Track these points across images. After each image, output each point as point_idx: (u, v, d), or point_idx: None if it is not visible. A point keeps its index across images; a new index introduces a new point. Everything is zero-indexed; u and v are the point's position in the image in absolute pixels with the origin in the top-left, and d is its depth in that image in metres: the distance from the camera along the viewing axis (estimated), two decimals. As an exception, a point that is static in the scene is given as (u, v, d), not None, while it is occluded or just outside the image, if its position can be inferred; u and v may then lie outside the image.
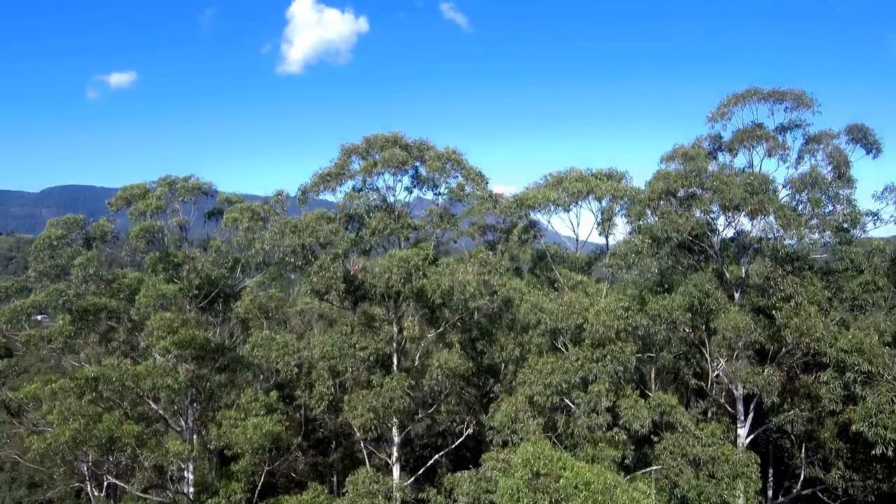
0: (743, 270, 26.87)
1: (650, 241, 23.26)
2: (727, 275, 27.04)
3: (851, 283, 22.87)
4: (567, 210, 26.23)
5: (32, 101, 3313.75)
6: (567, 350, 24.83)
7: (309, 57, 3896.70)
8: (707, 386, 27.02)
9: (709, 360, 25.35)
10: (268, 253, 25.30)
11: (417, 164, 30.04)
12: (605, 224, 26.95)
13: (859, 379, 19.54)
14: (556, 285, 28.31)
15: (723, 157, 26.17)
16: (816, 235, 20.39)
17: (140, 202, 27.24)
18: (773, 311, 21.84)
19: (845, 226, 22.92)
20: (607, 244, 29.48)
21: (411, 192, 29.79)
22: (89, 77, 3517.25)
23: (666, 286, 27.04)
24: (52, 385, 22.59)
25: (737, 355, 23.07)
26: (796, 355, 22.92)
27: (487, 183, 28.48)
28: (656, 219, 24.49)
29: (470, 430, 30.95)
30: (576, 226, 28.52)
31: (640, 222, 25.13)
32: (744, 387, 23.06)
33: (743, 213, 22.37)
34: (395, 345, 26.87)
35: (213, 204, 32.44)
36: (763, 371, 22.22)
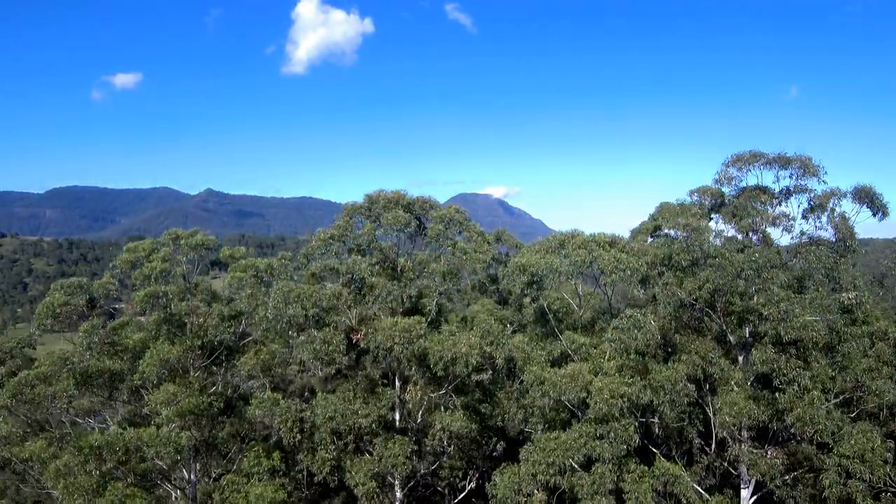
0: (746, 331, 26.82)
1: (652, 315, 23.25)
2: (730, 336, 26.98)
3: (856, 364, 22.80)
4: (570, 277, 26.16)
5: (37, 101, 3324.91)
6: (571, 418, 24.88)
7: (314, 58, 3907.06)
8: (712, 448, 27.01)
9: (713, 427, 25.34)
10: (271, 321, 25.36)
11: (422, 217, 30.20)
12: (609, 288, 27.00)
13: (861, 487, 19.54)
14: (559, 343, 28.37)
15: (724, 225, 26.13)
16: (819, 319, 20.27)
17: (145, 266, 27.31)
18: (776, 393, 21.80)
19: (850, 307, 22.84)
20: (610, 304, 29.46)
21: (414, 245, 29.99)
22: (95, 78, 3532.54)
23: (669, 349, 27.05)
24: (57, 463, 22.68)
25: (739, 432, 23.08)
26: (799, 438, 22.88)
27: (489, 242, 28.61)
28: (658, 289, 24.49)
29: (473, 485, 31.02)
30: (579, 288, 28.53)
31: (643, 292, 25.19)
32: (747, 469, 23.09)
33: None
34: (397, 409, 26.97)
35: (217, 255, 32.73)
36: (766, 453, 22.24)
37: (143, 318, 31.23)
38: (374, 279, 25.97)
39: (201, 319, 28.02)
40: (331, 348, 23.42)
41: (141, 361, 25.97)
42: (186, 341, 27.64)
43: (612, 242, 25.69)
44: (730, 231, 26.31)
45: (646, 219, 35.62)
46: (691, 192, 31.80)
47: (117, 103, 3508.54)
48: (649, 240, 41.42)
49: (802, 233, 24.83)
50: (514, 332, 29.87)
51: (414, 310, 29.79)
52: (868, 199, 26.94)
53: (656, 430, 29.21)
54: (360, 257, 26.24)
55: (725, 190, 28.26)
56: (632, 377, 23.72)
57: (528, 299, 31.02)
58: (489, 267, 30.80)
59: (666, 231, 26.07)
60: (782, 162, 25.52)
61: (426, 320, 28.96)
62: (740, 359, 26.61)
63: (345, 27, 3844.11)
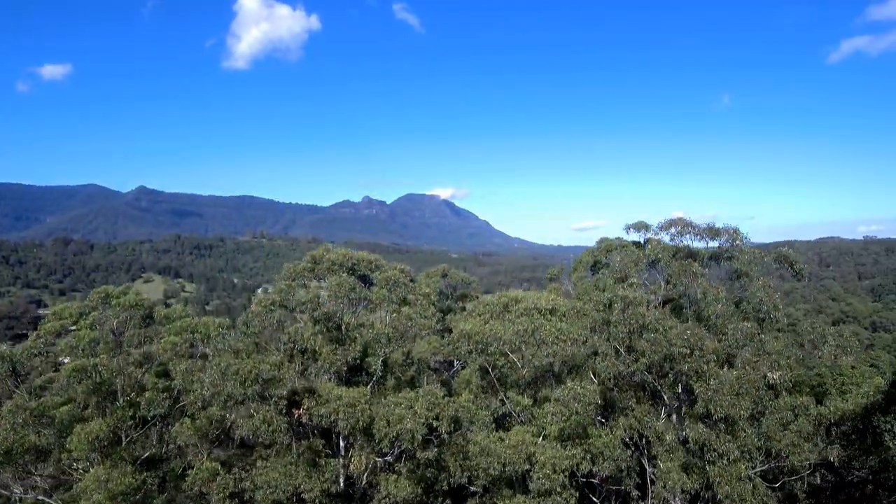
0: (680, 387, 28.14)
1: (592, 387, 24.04)
2: (665, 395, 28.23)
3: (780, 438, 24.42)
4: (515, 347, 26.63)
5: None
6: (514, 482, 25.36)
7: (257, 53, 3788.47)
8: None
9: (649, 487, 26.46)
10: (207, 398, 24.47)
11: (368, 276, 29.99)
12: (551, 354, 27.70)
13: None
14: (503, 402, 28.88)
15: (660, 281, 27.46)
16: (746, 396, 21.62)
17: (74, 336, 25.84)
18: (707, 465, 23.07)
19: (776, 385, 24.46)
20: (552, 365, 30.18)
21: (357, 308, 29.72)
22: (21, 69, 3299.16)
23: (608, 408, 28.05)
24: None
25: (674, 499, 24.21)
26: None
27: (434, 303, 28.75)
28: (598, 359, 25.39)
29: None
30: (524, 351, 29.05)
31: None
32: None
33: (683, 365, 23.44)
34: (340, 478, 26.65)
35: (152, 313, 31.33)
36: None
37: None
38: (318, 345, 25.58)
39: (133, 390, 26.83)
40: (271, 428, 22.90)
41: (69, 438, 24.55)
42: (118, 412, 26.37)
43: (553, 310, 26.32)
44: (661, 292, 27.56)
45: (593, 242, 37.51)
46: (628, 227, 33.41)
47: (44, 96, 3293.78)
48: (589, 275, 42.89)
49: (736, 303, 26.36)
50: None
51: (359, 368, 29.61)
52: (788, 263, 28.98)
53: (596, 491, 30.17)
54: (302, 325, 25.76)
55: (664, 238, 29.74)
56: (573, 443, 24.45)
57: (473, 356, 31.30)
58: (434, 331, 30.88)
59: (604, 270, 26.96)
60: (711, 233, 27.03)
61: (372, 379, 28.90)
62: (674, 417, 27.95)
63: (290, 23, 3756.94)
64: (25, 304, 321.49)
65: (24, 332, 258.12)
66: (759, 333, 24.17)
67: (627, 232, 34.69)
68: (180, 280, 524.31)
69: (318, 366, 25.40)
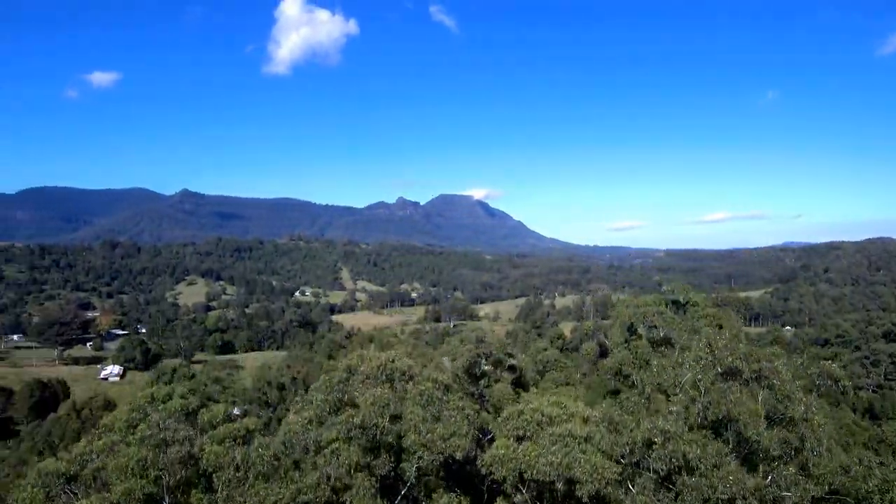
0: None
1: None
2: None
3: None
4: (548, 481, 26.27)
5: (10, 99, 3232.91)
6: None
7: (297, 58, 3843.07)
8: None
9: None
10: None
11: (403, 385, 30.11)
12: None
13: None
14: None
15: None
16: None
17: (121, 457, 26.80)
18: None
19: None
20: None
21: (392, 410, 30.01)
22: (71, 76, 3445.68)
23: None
24: None
25: None
26: None
27: (468, 418, 28.74)
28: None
29: None
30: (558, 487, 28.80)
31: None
32: None
33: None
34: None
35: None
36: None
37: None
38: (352, 475, 25.89)
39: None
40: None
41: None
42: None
43: (588, 438, 25.89)
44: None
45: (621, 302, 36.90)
46: (669, 301, 32.66)
47: (94, 102, 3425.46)
48: (623, 342, 42.16)
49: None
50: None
51: (396, 476, 29.87)
52: (833, 380, 27.96)
53: None
54: (336, 459, 26.05)
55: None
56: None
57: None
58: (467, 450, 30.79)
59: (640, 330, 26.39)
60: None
61: (403, 490, 29.09)
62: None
63: (329, 27, 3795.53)
64: (75, 310, 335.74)
65: (74, 336, 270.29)
66: (804, 479, 23.25)
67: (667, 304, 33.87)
68: (221, 282, 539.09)
69: (353, 492, 25.66)
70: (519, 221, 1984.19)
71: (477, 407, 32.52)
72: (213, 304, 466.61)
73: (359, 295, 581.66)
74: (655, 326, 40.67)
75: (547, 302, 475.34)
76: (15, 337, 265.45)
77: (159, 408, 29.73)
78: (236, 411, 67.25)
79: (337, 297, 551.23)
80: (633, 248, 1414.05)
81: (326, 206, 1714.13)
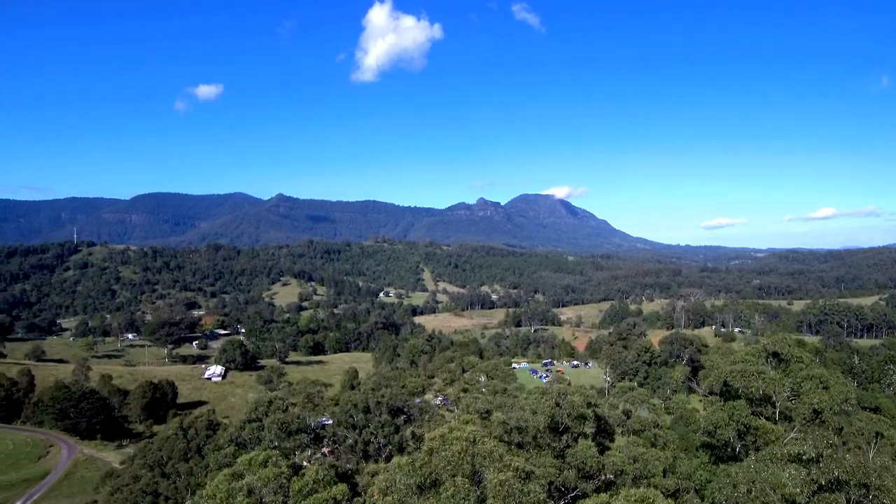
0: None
1: None
2: None
3: None
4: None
5: (126, 112, 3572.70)
6: None
7: (383, 64, 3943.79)
8: None
9: None
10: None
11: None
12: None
13: None
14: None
15: None
16: None
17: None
18: None
19: None
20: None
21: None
22: (179, 90, 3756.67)
23: None
24: None
25: None
26: None
27: None
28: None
29: None
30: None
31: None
32: None
33: None
34: None
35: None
36: None
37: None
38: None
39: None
40: None
41: None
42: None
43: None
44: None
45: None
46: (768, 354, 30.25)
47: (199, 113, 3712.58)
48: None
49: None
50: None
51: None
52: None
53: None
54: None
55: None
56: None
57: None
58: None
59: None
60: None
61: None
62: None
63: (414, 33, 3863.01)
64: (183, 311, 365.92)
65: (182, 335, 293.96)
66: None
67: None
68: (312, 283, 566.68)
69: None
70: (603, 220, 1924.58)
71: (559, 464, 31.76)
72: (305, 304, 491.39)
73: (440, 296, 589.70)
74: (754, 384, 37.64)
75: (633, 307, 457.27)
76: (130, 336, 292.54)
77: (255, 475, 31.31)
78: (327, 420, 70.26)
79: (419, 299, 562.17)
80: (729, 247, 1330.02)
81: (409, 207, 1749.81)
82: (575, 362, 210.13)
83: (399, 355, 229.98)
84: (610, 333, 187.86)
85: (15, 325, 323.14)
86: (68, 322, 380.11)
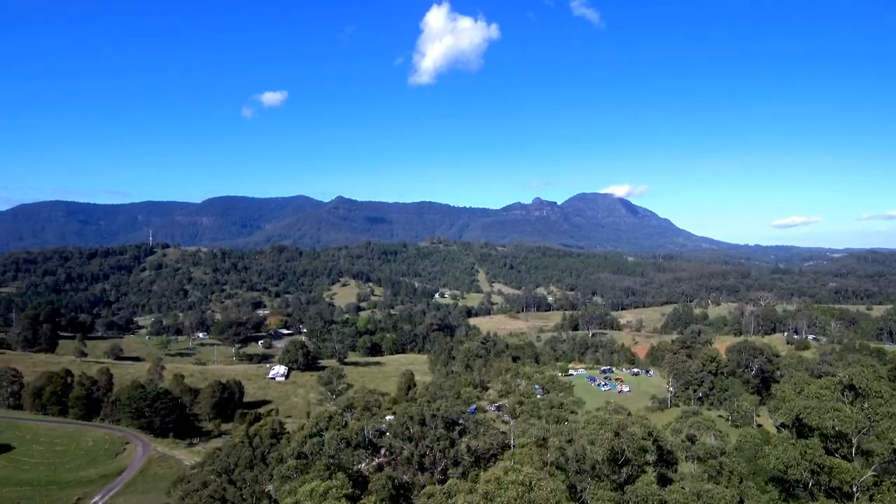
0: None
1: None
2: None
3: None
4: None
5: (197, 119, 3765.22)
6: None
7: (440, 66, 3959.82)
8: None
9: None
10: None
11: None
12: None
13: None
14: None
15: None
16: None
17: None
18: None
19: None
20: None
21: None
22: (246, 97, 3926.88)
23: None
24: None
25: None
26: None
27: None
28: None
29: None
30: None
31: None
32: None
33: None
34: None
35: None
36: None
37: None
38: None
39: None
40: None
41: None
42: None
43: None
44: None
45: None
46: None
47: (264, 119, 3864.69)
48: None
49: None
50: None
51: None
52: None
53: None
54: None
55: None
56: None
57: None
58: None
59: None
60: None
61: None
62: None
63: (471, 34, 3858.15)
64: (249, 311, 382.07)
65: (248, 335, 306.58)
66: None
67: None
68: (370, 284, 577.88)
69: None
70: (665, 219, 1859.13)
71: (618, 498, 30.76)
72: (363, 304, 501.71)
73: (495, 298, 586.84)
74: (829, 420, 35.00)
75: (698, 311, 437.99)
76: (200, 335, 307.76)
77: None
78: (383, 427, 71.37)
79: (474, 300, 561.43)
80: (803, 247, 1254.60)
81: (464, 208, 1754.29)
82: (635, 370, 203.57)
83: (454, 358, 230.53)
84: (673, 341, 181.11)
85: (95, 322, 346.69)
86: (144, 320, 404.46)
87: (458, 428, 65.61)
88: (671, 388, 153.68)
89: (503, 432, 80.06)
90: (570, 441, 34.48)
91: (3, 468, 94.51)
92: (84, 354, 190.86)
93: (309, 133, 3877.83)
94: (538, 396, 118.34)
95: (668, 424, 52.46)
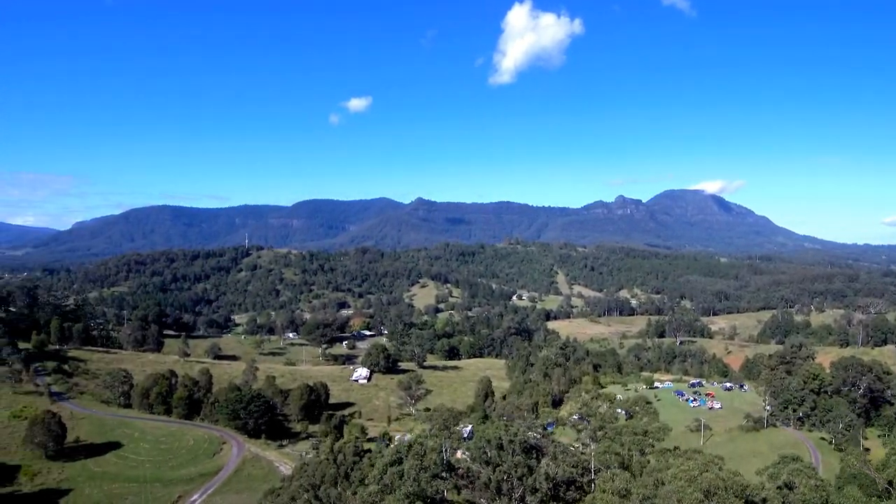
0: None
1: None
2: None
3: None
4: None
5: (289, 128, 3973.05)
6: None
7: (521, 65, 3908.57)
8: None
9: None
10: None
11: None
12: None
13: None
14: None
15: None
16: None
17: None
18: None
19: None
20: None
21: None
22: (333, 104, 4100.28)
23: None
24: None
25: None
26: None
27: None
28: None
29: None
30: None
31: None
32: None
33: None
34: None
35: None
36: None
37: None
38: None
39: None
40: None
41: None
42: None
43: None
44: None
45: None
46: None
47: (350, 125, 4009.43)
48: None
49: None
50: None
51: None
52: None
53: None
54: None
55: None
56: None
57: None
58: None
59: None
60: None
61: None
62: None
63: (554, 30, 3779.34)
64: (334, 314, 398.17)
65: (334, 336, 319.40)
66: None
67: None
68: (448, 285, 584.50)
69: None
70: (763, 217, 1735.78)
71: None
72: (441, 306, 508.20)
73: (574, 300, 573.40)
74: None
75: (799, 318, 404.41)
76: (290, 335, 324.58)
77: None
78: (459, 454, 71.91)
79: (552, 303, 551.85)
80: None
81: (543, 207, 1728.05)
82: (727, 384, 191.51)
83: (532, 365, 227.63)
84: (770, 356, 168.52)
85: (197, 321, 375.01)
86: (240, 318, 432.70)
87: (535, 453, 64.72)
88: (768, 407, 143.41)
89: (583, 453, 78.12)
90: (654, 495, 32.84)
91: (114, 464, 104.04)
92: (186, 354, 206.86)
93: (391, 136, 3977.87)
94: (620, 413, 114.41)
95: (763, 469, 48.78)
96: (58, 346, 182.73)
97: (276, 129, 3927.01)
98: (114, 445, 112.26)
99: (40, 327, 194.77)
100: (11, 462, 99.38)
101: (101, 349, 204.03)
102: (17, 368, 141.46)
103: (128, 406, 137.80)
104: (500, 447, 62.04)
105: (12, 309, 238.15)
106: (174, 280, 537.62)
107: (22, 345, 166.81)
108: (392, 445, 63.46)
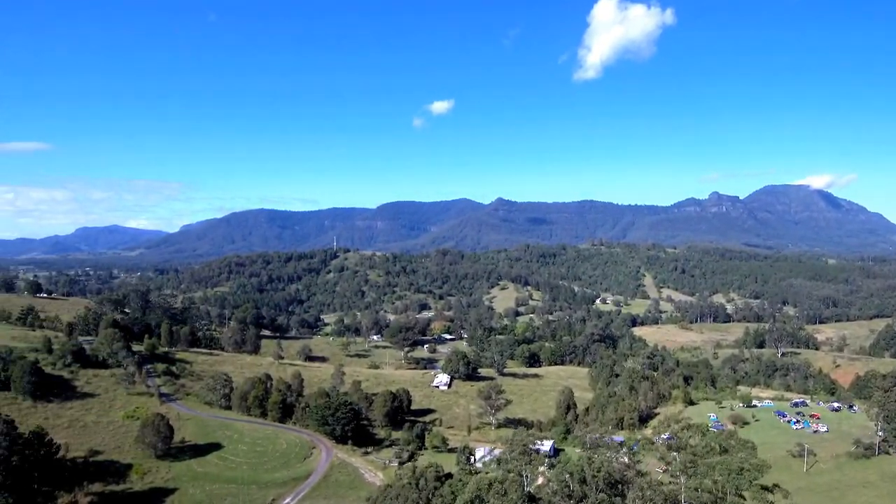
0: None
1: None
2: None
3: None
4: None
5: (374, 132, 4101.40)
6: None
7: (607, 59, 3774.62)
8: None
9: None
10: None
11: None
12: None
13: None
14: None
15: None
16: None
17: None
18: None
19: None
20: None
21: None
22: (417, 107, 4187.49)
23: None
24: None
25: None
26: None
27: None
28: None
29: None
30: None
31: None
32: None
33: None
34: None
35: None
36: None
37: None
38: None
39: None
40: None
41: None
42: None
43: None
44: None
45: None
46: None
47: (433, 128, 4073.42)
48: None
49: None
50: None
51: None
52: None
53: None
54: None
55: None
56: None
57: None
58: None
59: None
60: None
61: None
62: None
63: (644, 22, 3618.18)
64: (415, 315, 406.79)
65: (416, 339, 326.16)
66: None
67: None
68: (528, 288, 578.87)
69: None
70: (877, 214, 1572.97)
71: None
72: (521, 309, 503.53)
73: (663, 305, 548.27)
74: None
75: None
76: (375, 337, 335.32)
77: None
78: (541, 480, 71.31)
79: (639, 307, 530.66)
80: None
81: (628, 206, 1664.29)
82: (835, 404, 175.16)
83: (617, 375, 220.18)
84: (885, 376, 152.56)
85: (290, 321, 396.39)
86: (329, 318, 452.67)
87: (620, 487, 62.94)
88: (880, 432, 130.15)
89: (671, 484, 74.77)
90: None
91: (215, 465, 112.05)
92: (281, 357, 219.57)
93: (472, 137, 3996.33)
94: (714, 446, 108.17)
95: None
96: (167, 349, 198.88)
97: (363, 133, 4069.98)
98: (215, 447, 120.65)
99: (151, 330, 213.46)
100: (125, 461, 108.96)
101: (204, 351, 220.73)
102: (131, 371, 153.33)
103: (228, 408, 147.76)
104: (583, 481, 60.95)
105: (127, 311, 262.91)
106: (270, 281, 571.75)
107: (135, 347, 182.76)
108: (472, 480, 63.92)
